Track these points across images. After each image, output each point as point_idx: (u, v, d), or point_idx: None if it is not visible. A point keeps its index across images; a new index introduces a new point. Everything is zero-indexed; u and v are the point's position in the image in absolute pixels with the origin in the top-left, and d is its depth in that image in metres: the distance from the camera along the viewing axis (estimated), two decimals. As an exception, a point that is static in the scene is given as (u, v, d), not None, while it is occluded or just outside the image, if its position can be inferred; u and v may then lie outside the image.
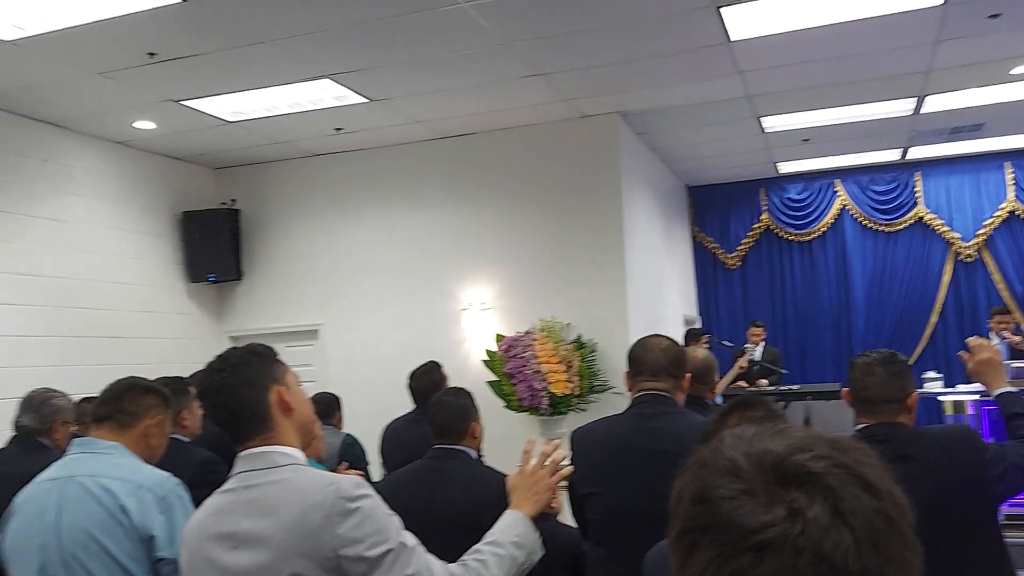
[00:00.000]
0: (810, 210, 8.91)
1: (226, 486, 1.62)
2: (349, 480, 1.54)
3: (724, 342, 7.56)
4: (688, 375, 2.47)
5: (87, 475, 2.09)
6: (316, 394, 4.17)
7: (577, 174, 6.31)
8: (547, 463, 1.85)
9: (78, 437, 2.31)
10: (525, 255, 6.40)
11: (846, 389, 2.39)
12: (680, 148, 7.61)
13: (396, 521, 1.55)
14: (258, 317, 7.04)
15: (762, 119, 6.76)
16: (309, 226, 6.98)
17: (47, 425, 3.30)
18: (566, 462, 2.54)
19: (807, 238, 8.92)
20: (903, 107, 6.61)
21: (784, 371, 7.43)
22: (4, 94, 5.14)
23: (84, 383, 3.57)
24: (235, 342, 7.11)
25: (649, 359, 2.43)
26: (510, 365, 5.85)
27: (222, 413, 1.64)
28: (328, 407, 4.28)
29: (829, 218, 8.84)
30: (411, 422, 3.94)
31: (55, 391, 3.41)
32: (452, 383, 4.07)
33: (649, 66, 5.29)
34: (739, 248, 9.09)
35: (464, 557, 1.63)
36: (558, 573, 3.26)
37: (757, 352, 7.38)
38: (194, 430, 3.19)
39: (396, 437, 3.98)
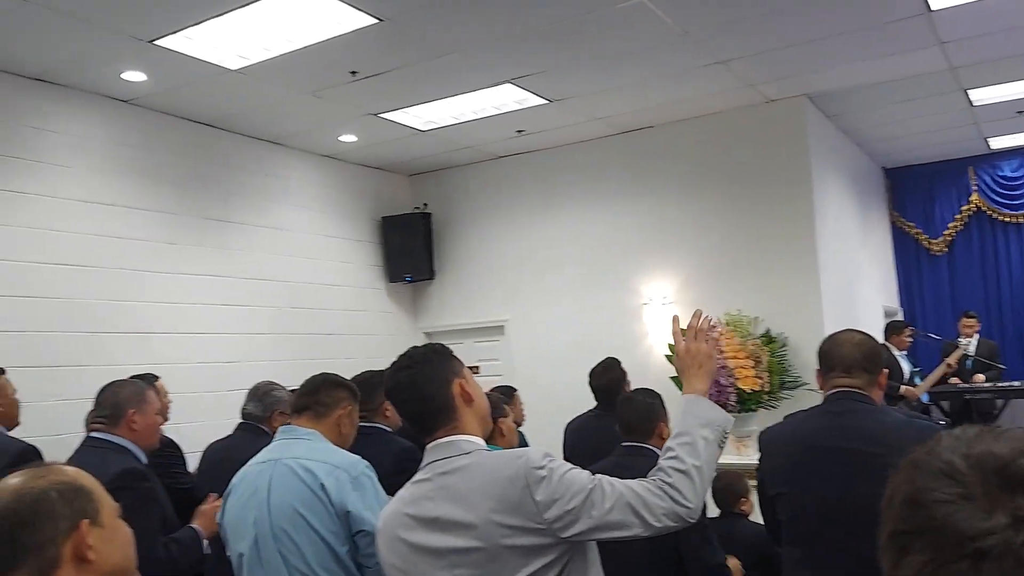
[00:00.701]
0: (1029, 188, 7.94)
1: (419, 476, 1.71)
2: (535, 451, 1.61)
3: (930, 335, 6.93)
4: (886, 371, 2.32)
5: (291, 458, 2.30)
6: (494, 387, 4.29)
7: (762, 161, 6.06)
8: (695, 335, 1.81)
9: (284, 425, 2.52)
10: (708, 247, 6.22)
11: None
12: (875, 128, 7.11)
13: (584, 472, 1.61)
14: (449, 314, 7.36)
15: (969, 92, 6.19)
16: (495, 226, 7.19)
17: (268, 414, 3.51)
18: (752, 452, 2.46)
19: (1025, 219, 7.96)
20: None
21: (1002, 367, 6.69)
22: (232, 118, 5.74)
23: (302, 376, 3.86)
24: (429, 338, 7.49)
25: (840, 354, 2.30)
26: (694, 360, 5.68)
27: (409, 407, 1.74)
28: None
29: (1052, 196, 7.84)
30: (593, 418, 3.94)
31: (276, 384, 3.65)
32: (634, 379, 4.04)
33: (838, 44, 4.97)
34: (945, 232, 8.31)
35: (659, 461, 1.65)
36: (748, 571, 3.15)
37: (971, 346, 6.68)
38: (396, 420, 3.33)
39: (578, 435, 4.00)
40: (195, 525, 2.74)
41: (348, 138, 6.35)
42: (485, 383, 2.83)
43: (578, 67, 5.11)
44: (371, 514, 2.20)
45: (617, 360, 4.02)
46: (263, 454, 2.40)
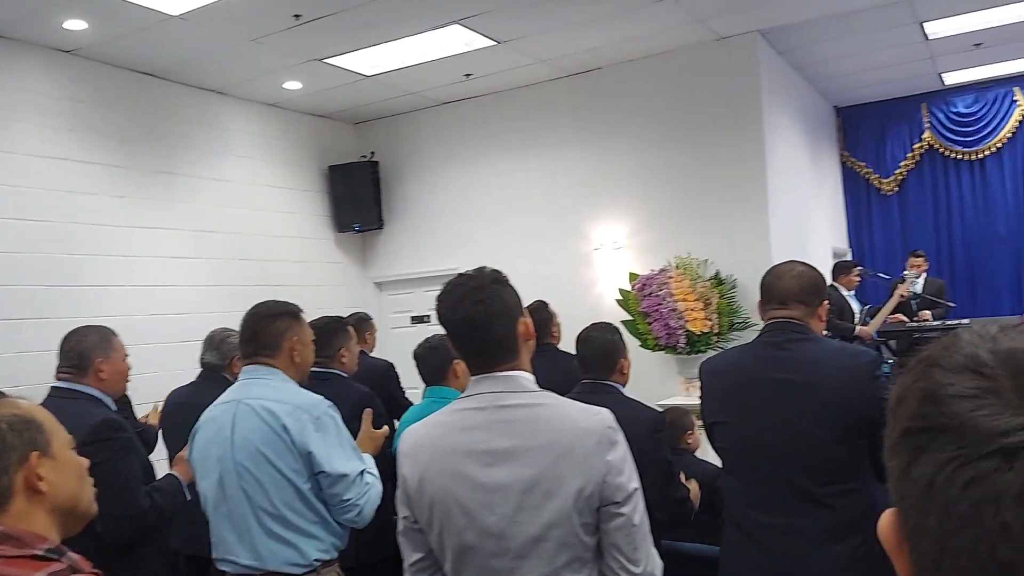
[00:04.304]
0: (982, 124, 8.51)
1: (469, 404, 1.76)
2: (608, 412, 1.73)
3: (880, 274, 7.40)
4: (825, 302, 2.47)
5: (253, 398, 2.47)
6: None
7: (713, 101, 6.42)
8: None
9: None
10: (659, 191, 6.63)
11: None
12: (827, 64, 7.46)
13: None
14: (399, 263, 7.77)
15: (925, 24, 6.50)
16: (443, 173, 7.56)
17: (226, 361, 3.76)
18: (696, 392, 2.66)
19: (979, 156, 8.54)
20: (1100, -5, 6.12)
21: (951, 304, 7.18)
22: (174, 67, 6.04)
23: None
24: (379, 288, 7.84)
25: (778, 286, 2.43)
26: (645, 304, 6.12)
27: (474, 343, 1.78)
28: None
29: (1006, 132, 8.41)
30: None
31: (231, 330, 3.85)
32: (586, 323, 4.38)
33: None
34: (896, 172, 8.84)
35: None
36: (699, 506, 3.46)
37: (918, 284, 7.15)
38: (352, 366, 3.66)
39: None
40: (174, 471, 2.89)
41: (292, 85, 6.60)
42: (432, 332, 3.12)
43: (525, 6, 5.38)
44: (332, 456, 2.41)
45: (545, 303, 4.31)
46: (227, 394, 2.58)
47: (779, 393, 2.33)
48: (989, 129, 8.45)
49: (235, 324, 2.71)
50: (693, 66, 6.45)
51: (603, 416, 1.71)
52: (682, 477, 3.19)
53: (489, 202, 7.30)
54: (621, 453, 1.68)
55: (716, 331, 6.11)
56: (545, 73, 6.81)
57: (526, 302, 4.33)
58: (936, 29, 6.60)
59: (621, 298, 6.37)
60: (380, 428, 2.97)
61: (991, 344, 0.58)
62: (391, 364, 4.53)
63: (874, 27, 6.45)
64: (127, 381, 3.02)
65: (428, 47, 6.01)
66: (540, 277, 6.74)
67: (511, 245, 7.09)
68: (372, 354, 4.72)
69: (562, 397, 1.79)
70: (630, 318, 6.22)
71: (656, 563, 1.76)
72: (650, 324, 6.10)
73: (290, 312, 2.61)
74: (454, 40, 5.91)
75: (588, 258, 6.87)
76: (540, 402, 1.74)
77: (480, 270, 1.84)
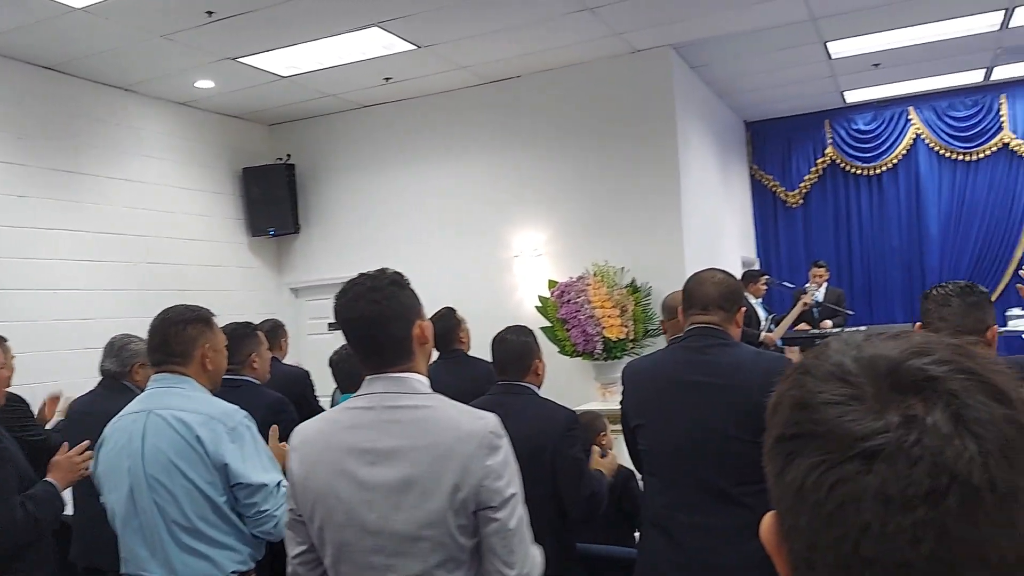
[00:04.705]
0: (880, 141, 8.94)
1: (360, 403, 1.79)
2: (494, 417, 1.76)
3: (785, 283, 7.71)
4: (743, 309, 2.57)
5: (165, 408, 2.40)
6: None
7: (629, 113, 6.55)
8: None
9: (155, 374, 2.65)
10: (576, 199, 6.72)
11: (919, 324, 2.37)
12: (737, 80, 7.70)
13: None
14: (316, 268, 7.63)
15: (828, 44, 6.77)
16: (361, 177, 7.47)
17: (127, 368, 3.63)
18: (616, 398, 2.72)
19: (876, 171, 8.97)
20: (988, 22, 6.48)
21: (850, 312, 7.53)
22: (81, 61, 5.79)
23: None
24: (295, 294, 7.70)
25: (700, 292, 2.51)
26: (563, 311, 6.19)
27: (369, 343, 1.79)
28: None
29: (901, 149, 8.84)
30: (436, 367, 4.28)
31: (133, 336, 3.77)
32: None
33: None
34: (801, 185, 9.20)
35: None
36: (609, 509, 3.53)
37: (820, 293, 7.48)
38: (263, 373, 3.59)
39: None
40: (51, 478, 2.80)
41: (205, 84, 6.43)
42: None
43: (446, 12, 5.39)
44: (249, 467, 2.36)
45: (453, 309, 4.34)
46: (136, 403, 2.49)
47: (698, 396, 2.41)
48: (886, 146, 8.89)
49: (143, 330, 2.60)
50: (609, 78, 6.58)
51: (487, 421, 1.74)
52: (596, 454, 3.22)
53: (409, 207, 7.26)
54: (502, 458, 1.71)
55: (632, 337, 6.23)
56: (465, 79, 6.83)
57: (444, 306, 4.40)
58: (839, 49, 6.90)
59: (540, 305, 6.43)
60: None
61: (856, 352, 0.60)
62: (307, 372, 4.54)
63: (781, 45, 6.70)
64: (7, 388, 2.93)
65: (346, 49, 5.94)
66: (460, 282, 6.79)
67: (431, 251, 7.09)
68: (286, 361, 4.66)
69: (451, 400, 1.81)
70: (549, 324, 6.28)
71: (534, 564, 1.79)
72: (568, 331, 6.17)
73: (201, 318, 2.53)
74: (373, 43, 5.86)
75: (508, 264, 6.91)
76: (428, 404, 1.76)
77: (381, 271, 1.84)
